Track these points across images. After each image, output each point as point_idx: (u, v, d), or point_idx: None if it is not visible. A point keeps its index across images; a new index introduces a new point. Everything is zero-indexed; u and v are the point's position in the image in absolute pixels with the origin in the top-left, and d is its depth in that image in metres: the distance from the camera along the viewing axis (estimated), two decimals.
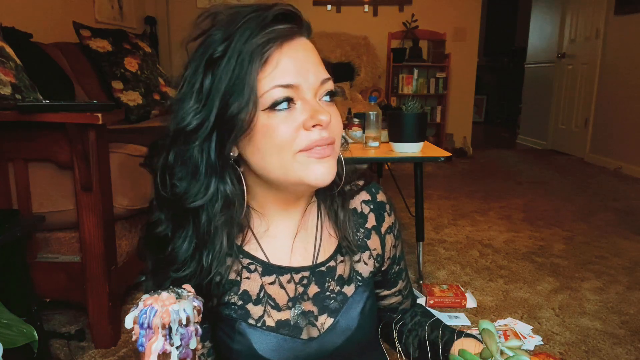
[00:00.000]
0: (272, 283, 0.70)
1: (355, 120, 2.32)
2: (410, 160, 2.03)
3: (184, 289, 0.55)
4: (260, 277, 0.70)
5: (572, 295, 1.96)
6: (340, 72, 4.44)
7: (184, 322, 0.51)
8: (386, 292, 0.83)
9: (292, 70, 0.60)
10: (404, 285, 0.84)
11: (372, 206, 0.77)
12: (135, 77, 2.71)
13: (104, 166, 1.46)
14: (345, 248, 0.73)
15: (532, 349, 1.58)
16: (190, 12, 4.54)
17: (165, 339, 0.50)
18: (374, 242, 0.77)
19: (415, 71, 4.95)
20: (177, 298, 0.53)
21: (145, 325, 0.50)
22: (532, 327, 1.69)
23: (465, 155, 5.17)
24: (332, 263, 0.73)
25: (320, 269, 0.72)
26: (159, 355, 0.50)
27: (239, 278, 0.69)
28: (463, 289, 1.95)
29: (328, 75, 0.63)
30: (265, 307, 0.69)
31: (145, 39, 3.11)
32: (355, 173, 0.77)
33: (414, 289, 1.70)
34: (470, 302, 1.87)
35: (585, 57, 4.97)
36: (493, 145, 6.31)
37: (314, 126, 0.60)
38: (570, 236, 2.67)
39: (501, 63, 8.67)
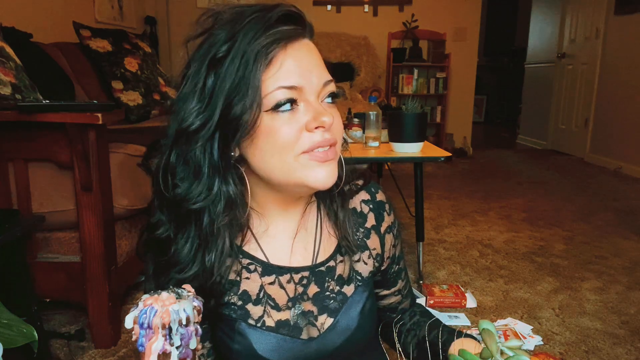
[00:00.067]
0: (271, 283, 0.70)
1: (355, 120, 2.32)
2: (410, 160, 2.03)
3: (184, 289, 0.55)
4: (260, 277, 0.70)
5: (572, 295, 1.96)
6: (340, 72, 4.45)
7: (184, 322, 0.51)
8: (385, 292, 0.83)
9: (295, 71, 0.60)
10: (403, 285, 0.84)
11: (371, 206, 0.77)
12: (135, 77, 2.71)
13: (104, 166, 1.46)
14: (345, 248, 0.73)
15: (532, 349, 1.58)
16: (190, 12, 4.54)
17: (165, 339, 0.50)
18: (373, 242, 0.77)
19: (415, 71, 4.95)
20: (177, 298, 0.53)
21: (145, 325, 0.50)
22: (532, 327, 1.69)
23: (465, 155, 5.17)
24: (331, 263, 0.73)
25: (320, 268, 0.72)
26: (159, 355, 0.50)
27: (238, 278, 0.69)
28: (463, 289, 1.95)
29: (330, 77, 0.63)
30: (265, 307, 0.69)
31: (145, 39, 3.11)
32: (355, 173, 0.77)
33: (413, 289, 1.70)
34: (470, 302, 1.87)
35: (585, 57, 4.97)
36: (493, 145, 6.31)
37: (316, 128, 0.60)
38: (570, 236, 2.67)
39: (501, 63, 8.67)
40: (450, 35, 4.90)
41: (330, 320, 0.71)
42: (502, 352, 0.57)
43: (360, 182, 0.78)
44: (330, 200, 0.73)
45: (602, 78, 4.69)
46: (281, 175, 0.62)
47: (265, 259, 0.70)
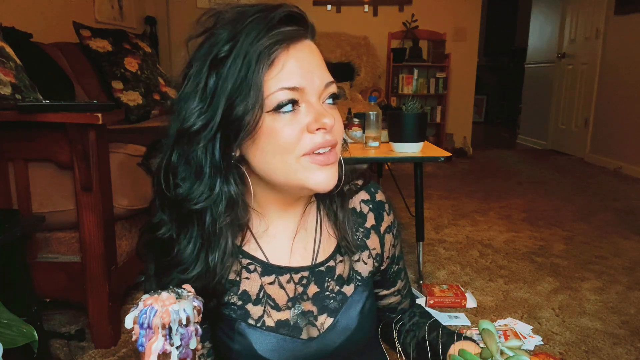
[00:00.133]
0: (271, 283, 0.70)
1: (355, 120, 2.32)
2: (410, 160, 2.03)
3: (184, 289, 0.55)
4: (260, 277, 0.70)
5: (572, 295, 1.96)
6: (340, 72, 4.44)
7: (184, 322, 0.51)
8: (385, 292, 0.83)
9: (297, 72, 0.60)
10: (402, 285, 0.84)
11: (371, 206, 0.77)
12: (135, 77, 2.71)
13: (104, 166, 1.46)
14: (345, 248, 0.73)
15: (532, 349, 1.58)
16: (190, 12, 4.54)
17: (165, 339, 0.50)
18: (373, 242, 0.77)
19: (415, 71, 4.95)
20: (177, 298, 0.53)
21: (145, 325, 0.50)
22: (532, 327, 1.69)
23: (465, 155, 5.17)
24: (331, 263, 0.73)
25: (320, 268, 0.72)
26: (159, 355, 0.50)
27: (238, 278, 0.69)
28: (463, 289, 1.95)
29: (332, 79, 0.63)
30: (264, 307, 0.69)
31: (145, 39, 3.11)
32: (354, 173, 0.77)
33: (413, 289, 1.70)
34: (470, 302, 1.87)
35: (585, 57, 4.97)
36: (493, 145, 6.31)
37: (317, 129, 0.60)
38: (570, 236, 2.67)
39: (501, 63, 8.67)
40: (450, 35, 4.90)
41: (330, 320, 0.71)
42: (502, 352, 0.57)
43: (359, 182, 0.78)
44: (329, 201, 0.73)
45: (602, 78, 4.69)
46: (282, 176, 0.62)
47: (265, 259, 0.70)
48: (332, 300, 0.72)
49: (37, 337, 0.91)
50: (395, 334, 0.82)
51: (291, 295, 0.71)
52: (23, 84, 1.78)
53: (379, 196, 0.78)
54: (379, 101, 4.31)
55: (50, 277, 1.54)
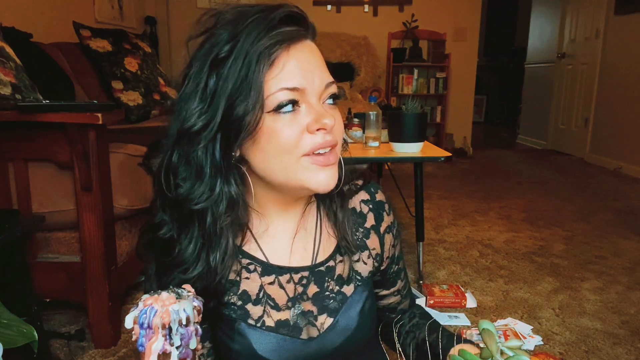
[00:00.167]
0: (271, 283, 0.70)
1: (355, 120, 2.32)
2: (410, 160, 2.03)
3: (184, 289, 0.55)
4: (260, 277, 0.70)
5: (572, 295, 1.96)
6: (340, 72, 4.44)
7: (184, 322, 0.51)
8: (385, 292, 0.83)
9: (298, 73, 0.60)
10: (402, 285, 0.84)
11: (371, 206, 0.77)
12: (135, 77, 2.71)
13: (104, 166, 1.46)
14: (344, 248, 0.73)
15: (532, 349, 1.58)
16: (190, 12, 4.54)
17: (165, 339, 0.50)
18: (373, 242, 0.77)
19: (415, 71, 4.95)
20: (177, 298, 0.53)
21: (145, 325, 0.50)
22: (532, 327, 1.69)
23: (465, 155, 5.17)
24: (331, 263, 0.73)
25: (320, 268, 0.72)
26: (159, 355, 0.50)
27: (238, 278, 0.69)
28: (463, 289, 1.95)
29: (332, 79, 0.63)
30: (264, 307, 0.69)
31: (145, 39, 3.11)
32: (354, 173, 0.77)
33: (413, 289, 1.70)
34: (470, 302, 1.87)
35: (585, 57, 4.97)
36: (493, 145, 6.31)
37: (318, 130, 0.60)
38: (570, 236, 2.67)
39: (501, 63, 8.67)
40: (450, 35, 4.90)
41: (330, 320, 0.71)
42: (502, 352, 0.57)
43: (359, 182, 0.78)
44: (329, 201, 0.73)
45: (602, 78, 4.70)
46: (282, 177, 0.62)
47: (264, 259, 0.70)
48: (332, 300, 0.72)
49: (37, 337, 0.91)
50: (395, 334, 0.82)
51: (291, 295, 0.71)
52: (23, 84, 1.78)
53: (379, 196, 0.78)
54: (379, 101, 4.31)
55: (50, 277, 1.54)
